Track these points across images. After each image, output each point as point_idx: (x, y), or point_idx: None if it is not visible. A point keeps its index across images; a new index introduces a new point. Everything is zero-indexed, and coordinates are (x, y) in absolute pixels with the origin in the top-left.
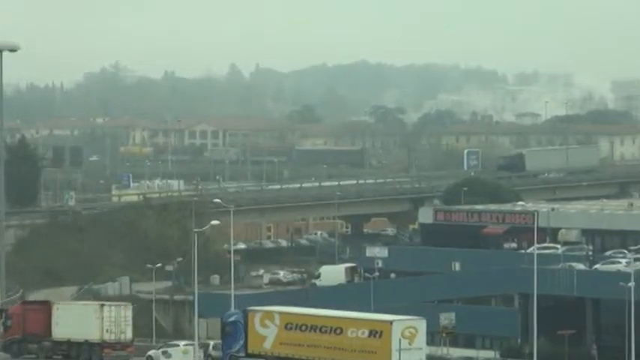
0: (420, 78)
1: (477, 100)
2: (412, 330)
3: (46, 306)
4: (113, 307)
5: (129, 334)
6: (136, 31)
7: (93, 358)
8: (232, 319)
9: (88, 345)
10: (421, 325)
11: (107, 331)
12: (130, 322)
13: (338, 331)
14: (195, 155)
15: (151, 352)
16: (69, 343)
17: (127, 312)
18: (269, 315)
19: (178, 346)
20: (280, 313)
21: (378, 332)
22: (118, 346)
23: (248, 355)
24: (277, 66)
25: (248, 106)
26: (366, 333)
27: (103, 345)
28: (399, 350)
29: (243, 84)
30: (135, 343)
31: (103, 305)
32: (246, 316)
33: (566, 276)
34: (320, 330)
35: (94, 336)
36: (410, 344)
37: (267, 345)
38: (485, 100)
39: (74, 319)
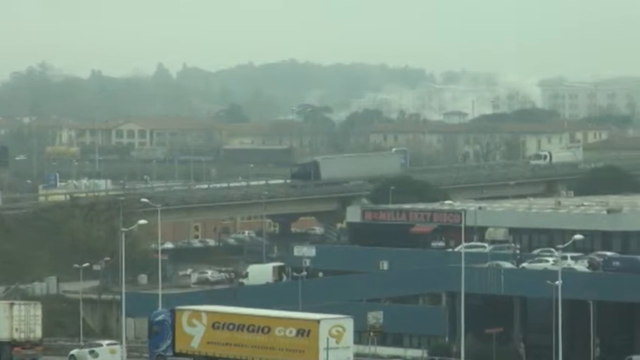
0: (347, 77)
1: (404, 99)
2: (339, 329)
3: None
4: (23, 307)
5: (38, 333)
6: (63, 30)
7: (2, 357)
8: (159, 318)
9: None
10: (348, 323)
11: (17, 330)
12: (40, 321)
13: (265, 330)
14: (123, 155)
15: (73, 352)
16: None
17: (36, 311)
18: (196, 314)
19: (102, 345)
20: (207, 312)
21: (305, 331)
22: (28, 344)
23: (175, 355)
24: (204, 65)
25: (175, 105)
26: (294, 332)
27: (12, 344)
28: (327, 349)
29: (170, 83)
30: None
31: (12, 304)
32: (174, 316)
33: (494, 275)
34: (247, 329)
35: (3, 335)
36: (337, 343)
37: (195, 344)
38: (413, 99)
39: None
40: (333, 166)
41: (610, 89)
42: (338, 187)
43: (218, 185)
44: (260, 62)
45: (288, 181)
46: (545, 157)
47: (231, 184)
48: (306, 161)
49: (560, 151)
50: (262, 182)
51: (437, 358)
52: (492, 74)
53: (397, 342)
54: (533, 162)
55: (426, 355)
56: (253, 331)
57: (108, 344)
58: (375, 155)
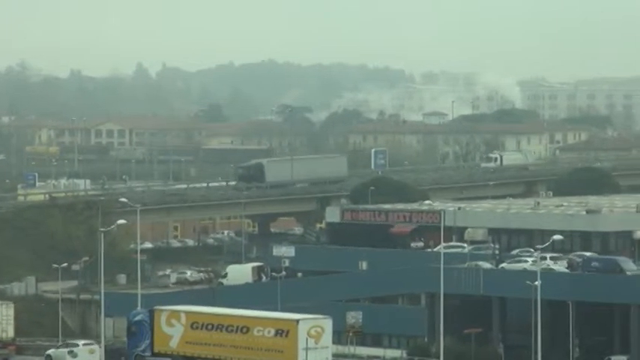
0: (326, 77)
1: (384, 100)
2: (318, 329)
3: None
4: None
5: (11, 333)
6: (42, 30)
7: None
8: (138, 318)
9: None
10: (327, 324)
11: None
12: (12, 321)
13: (244, 330)
14: (102, 154)
15: (50, 352)
16: None
17: (8, 311)
18: (175, 314)
19: (78, 345)
20: (186, 312)
21: (284, 331)
22: (0, 344)
23: (154, 355)
24: (184, 65)
25: (155, 105)
26: (273, 332)
27: None
28: (306, 349)
29: (149, 83)
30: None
31: None
32: (152, 316)
33: (473, 275)
34: (226, 329)
35: None
36: (316, 343)
37: (173, 344)
38: (392, 99)
39: None
40: (279, 169)
41: (590, 90)
42: (283, 189)
43: (197, 185)
44: (240, 62)
45: (231, 183)
46: (496, 159)
47: (211, 184)
48: (251, 163)
49: (510, 154)
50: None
51: (416, 358)
52: (471, 74)
53: (376, 342)
54: (483, 165)
55: (404, 355)
56: (232, 331)
57: (84, 344)
58: (321, 158)
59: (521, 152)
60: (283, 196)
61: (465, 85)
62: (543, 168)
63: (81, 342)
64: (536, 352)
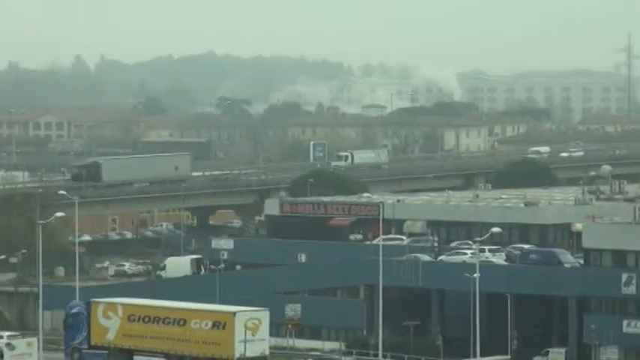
0: (265, 70)
1: (323, 92)
2: (255, 321)
3: None
4: None
5: None
6: None
7: None
8: (75, 310)
9: None
10: (264, 316)
11: None
12: None
13: (181, 322)
14: (40, 147)
15: None
16: None
17: None
18: (112, 307)
19: (2, 337)
20: (123, 304)
21: (221, 323)
22: None
23: (91, 347)
24: (123, 57)
25: (93, 97)
26: (210, 324)
27: None
28: (243, 341)
29: (88, 75)
30: None
31: None
32: (89, 308)
33: (412, 267)
34: (163, 321)
35: None
36: (253, 335)
37: (110, 337)
38: (331, 91)
39: None
40: (115, 168)
41: (528, 83)
42: (128, 188)
43: None
44: (179, 54)
45: (68, 178)
46: (347, 158)
47: None
48: (86, 162)
49: (362, 152)
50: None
51: (354, 350)
52: (410, 67)
53: (315, 335)
54: (333, 163)
55: (343, 347)
56: (169, 323)
57: (9, 335)
58: (159, 157)
59: (374, 151)
60: (222, 189)
61: (403, 77)
62: (481, 161)
63: (5, 333)
64: (474, 345)
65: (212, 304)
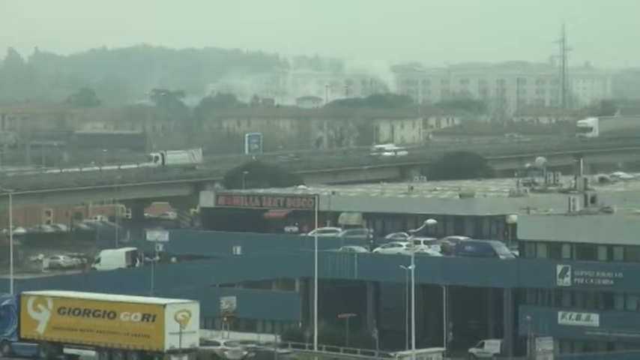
0: (200, 62)
1: (258, 84)
2: (185, 313)
3: None
4: None
5: None
6: None
7: None
8: (5, 303)
9: None
10: (195, 308)
11: None
12: None
13: (111, 315)
14: None
15: None
16: None
17: None
18: (42, 299)
19: None
20: (53, 297)
21: (151, 316)
22: None
23: (21, 340)
24: (56, 50)
25: (27, 90)
26: (139, 317)
27: None
28: (174, 334)
29: (21, 68)
30: None
31: None
32: (20, 301)
33: (347, 259)
34: (93, 314)
35: None
36: (183, 328)
37: (40, 330)
38: (266, 83)
39: None
40: None
41: (463, 75)
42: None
43: (70, 170)
44: (113, 47)
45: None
46: (157, 159)
47: (84, 169)
48: None
49: (174, 153)
50: (115, 167)
51: (290, 343)
52: (345, 59)
53: (250, 327)
54: (144, 164)
55: (279, 340)
56: (99, 316)
57: None
58: None
59: (187, 152)
60: (157, 180)
61: (337, 69)
62: (416, 153)
63: None
64: (410, 337)
65: (142, 297)
